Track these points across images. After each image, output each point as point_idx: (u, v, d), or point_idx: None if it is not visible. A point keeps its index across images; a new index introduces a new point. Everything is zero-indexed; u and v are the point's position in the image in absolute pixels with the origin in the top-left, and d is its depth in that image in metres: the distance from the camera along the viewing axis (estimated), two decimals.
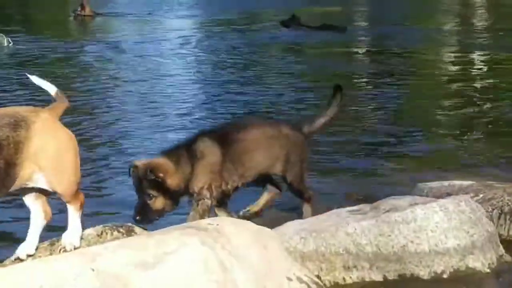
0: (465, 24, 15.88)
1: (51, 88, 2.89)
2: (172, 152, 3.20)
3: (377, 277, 2.57)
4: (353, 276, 2.58)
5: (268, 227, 2.57)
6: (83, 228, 2.65)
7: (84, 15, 15.53)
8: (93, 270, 2.04)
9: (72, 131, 2.89)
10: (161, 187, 3.03)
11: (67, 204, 2.68)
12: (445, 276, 2.55)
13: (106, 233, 2.65)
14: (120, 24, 15.66)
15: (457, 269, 2.58)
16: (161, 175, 3.03)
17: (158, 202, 3.04)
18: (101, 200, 4.06)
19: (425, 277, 2.54)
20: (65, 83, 8.08)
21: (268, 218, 3.02)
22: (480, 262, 2.61)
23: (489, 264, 2.62)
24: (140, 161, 3.15)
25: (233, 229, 2.38)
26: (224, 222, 2.46)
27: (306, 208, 3.29)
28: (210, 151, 3.18)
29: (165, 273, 2.12)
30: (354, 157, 5.04)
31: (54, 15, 17.40)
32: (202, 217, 3.05)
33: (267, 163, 3.32)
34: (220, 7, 18.06)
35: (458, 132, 5.96)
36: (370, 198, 3.20)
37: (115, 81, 8.69)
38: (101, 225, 2.66)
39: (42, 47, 11.24)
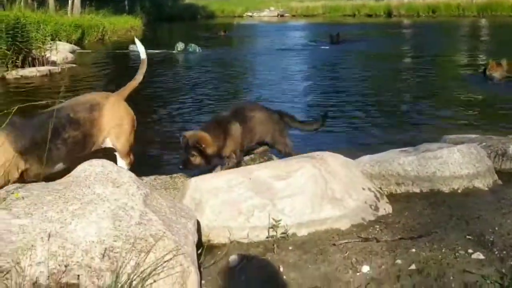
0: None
1: (142, 55, 4.06)
2: (211, 129, 3.98)
3: (416, 190, 3.48)
4: (401, 189, 3.51)
5: (351, 158, 3.62)
6: None
7: (221, 35, 23.53)
8: (250, 179, 3.16)
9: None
10: (200, 151, 3.86)
11: (120, 159, 3.82)
12: (459, 191, 3.43)
13: (256, 159, 3.94)
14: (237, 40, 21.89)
15: (467, 187, 3.46)
16: (203, 145, 3.84)
17: (197, 160, 3.89)
18: None
19: (446, 191, 3.42)
20: (222, 68, 12.84)
21: (351, 153, 3.89)
22: (482, 184, 3.49)
23: (487, 185, 3.50)
24: (189, 133, 3.97)
25: (331, 158, 3.36)
26: (326, 154, 3.41)
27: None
28: (237, 130, 4.03)
29: (291, 182, 3.14)
30: (403, 119, 6.77)
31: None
32: None
33: (263, 135, 4.25)
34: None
35: (468, 104, 7.66)
36: (413, 143, 4.15)
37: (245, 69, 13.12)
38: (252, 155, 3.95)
39: (210, 51, 16.40)
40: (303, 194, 3.15)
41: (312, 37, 21.78)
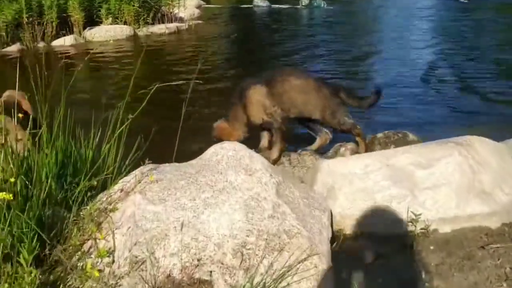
0: None
1: None
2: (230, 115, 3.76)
3: None
4: None
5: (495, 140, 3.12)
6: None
7: None
8: (387, 165, 2.92)
9: None
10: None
11: None
12: None
13: (391, 136, 3.63)
14: None
15: None
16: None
17: None
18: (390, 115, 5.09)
19: None
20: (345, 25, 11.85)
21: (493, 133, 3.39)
22: None
23: None
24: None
25: (479, 144, 2.97)
26: (473, 139, 3.01)
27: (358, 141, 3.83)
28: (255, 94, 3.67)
29: (434, 171, 2.83)
30: None
31: None
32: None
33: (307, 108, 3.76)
34: None
35: None
36: None
37: None
38: (387, 131, 3.65)
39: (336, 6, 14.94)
40: (447, 186, 2.84)
41: None
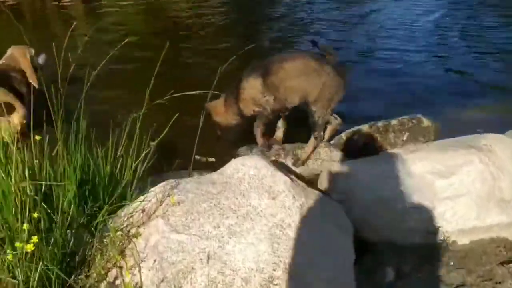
0: None
1: None
2: (227, 95, 3.67)
3: None
4: None
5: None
6: None
7: None
8: (406, 173, 2.85)
9: None
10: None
11: None
12: None
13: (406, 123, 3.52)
14: None
15: None
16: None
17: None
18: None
19: None
20: None
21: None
22: None
23: None
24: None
25: (498, 147, 2.90)
26: (491, 139, 2.97)
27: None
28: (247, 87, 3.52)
29: (454, 181, 2.79)
30: None
31: None
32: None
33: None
34: None
35: None
36: None
37: None
38: (401, 117, 3.54)
39: None
40: (467, 195, 2.82)
41: None
